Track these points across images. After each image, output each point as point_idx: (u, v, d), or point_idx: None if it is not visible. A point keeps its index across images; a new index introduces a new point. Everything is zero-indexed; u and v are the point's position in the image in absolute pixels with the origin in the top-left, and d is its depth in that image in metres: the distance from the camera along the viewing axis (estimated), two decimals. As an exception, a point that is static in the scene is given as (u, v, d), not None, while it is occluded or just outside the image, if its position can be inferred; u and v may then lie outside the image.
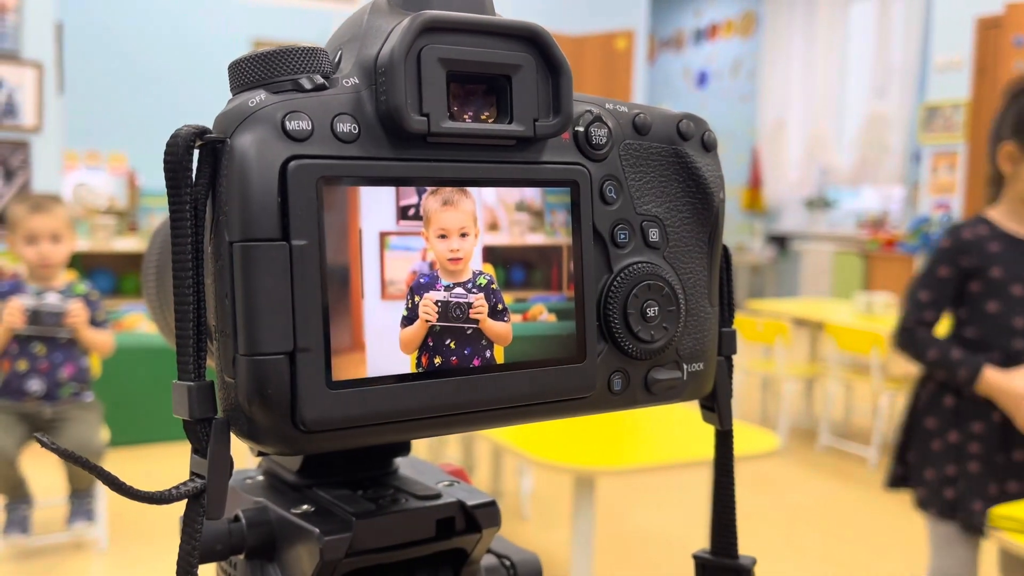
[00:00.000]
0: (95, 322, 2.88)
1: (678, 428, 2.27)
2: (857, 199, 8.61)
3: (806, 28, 8.55)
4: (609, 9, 7.57)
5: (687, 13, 10.10)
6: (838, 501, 3.65)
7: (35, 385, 2.81)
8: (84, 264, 4.96)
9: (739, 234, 9.29)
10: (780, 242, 9.18)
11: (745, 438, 2.19)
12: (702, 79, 9.93)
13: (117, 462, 3.45)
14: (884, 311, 4.51)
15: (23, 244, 2.81)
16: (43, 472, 3.09)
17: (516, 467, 3.46)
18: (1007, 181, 1.86)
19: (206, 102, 6.26)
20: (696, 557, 0.48)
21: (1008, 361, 1.82)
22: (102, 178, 5.51)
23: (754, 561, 0.47)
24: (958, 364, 1.84)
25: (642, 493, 3.55)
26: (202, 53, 6.28)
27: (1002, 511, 1.56)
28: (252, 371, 0.33)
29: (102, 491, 2.92)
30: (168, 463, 3.71)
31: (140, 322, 4.40)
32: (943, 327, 1.96)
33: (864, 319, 4.42)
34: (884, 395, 4.06)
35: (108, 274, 5.28)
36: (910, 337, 1.91)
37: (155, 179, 5.87)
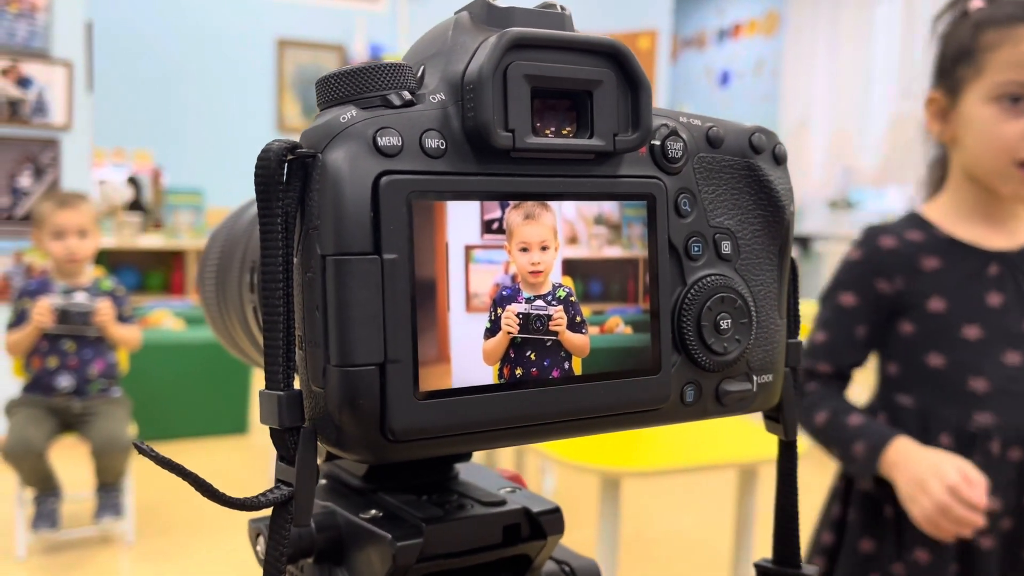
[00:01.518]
0: (121, 318, 2.92)
1: (704, 430, 2.26)
2: (881, 200, 8.55)
3: (830, 28, 8.49)
4: (632, 9, 7.56)
5: (710, 12, 10.05)
6: (862, 504, 3.62)
7: (65, 381, 2.85)
8: (110, 261, 5.00)
9: (761, 234, 9.22)
10: (803, 243, 9.13)
11: (771, 441, 2.18)
12: (724, 79, 9.88)
13: (144, 458, 3.48)
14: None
15: (50, 240, 2.85)
16: (71, 466, 3.12)
17: (538, 466, 3.46)
18: (948, 153, 1.29)
19: (230, 100, 6.29)
20: (758, 566, 0.49)
21: (963, 447, 1.13)
22: (129, 175, 5.56)
23: (818, 570, 0.47)
24: (855, 434, 1.18)
25: (667, 495, 3.55)
26: (228, 52, 6.31)
27: None
28: (343, 381, 0.34)
29: (130, 485, 2.95)
30: (192, 459, 3.74)
31: (165, 318, 4.44)
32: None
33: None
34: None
35: (133, 271, 5.33)
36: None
37: (179, 176, 5.91)
